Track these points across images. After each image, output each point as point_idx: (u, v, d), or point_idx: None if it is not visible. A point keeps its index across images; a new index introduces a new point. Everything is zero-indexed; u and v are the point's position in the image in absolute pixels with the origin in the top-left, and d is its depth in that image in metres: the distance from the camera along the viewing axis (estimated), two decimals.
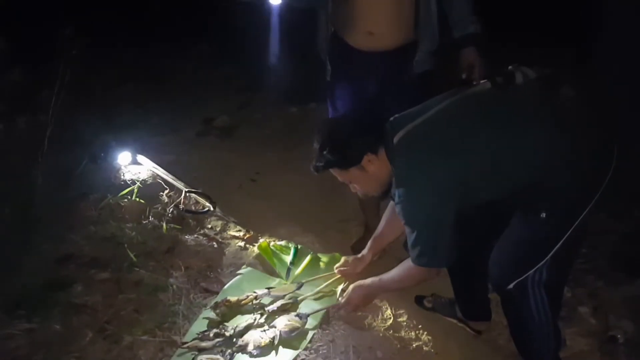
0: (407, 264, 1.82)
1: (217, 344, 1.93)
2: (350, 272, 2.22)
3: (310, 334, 2.00)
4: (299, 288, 2.19)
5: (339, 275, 2.27)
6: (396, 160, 1.71)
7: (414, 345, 2.01)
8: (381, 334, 2.04)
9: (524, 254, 1.66)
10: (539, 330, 1.71)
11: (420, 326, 2.09)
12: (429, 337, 2.05)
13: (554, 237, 1.61)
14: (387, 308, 2.17)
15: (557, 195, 1.60)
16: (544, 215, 1.59)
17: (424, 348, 2.01)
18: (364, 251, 2.21)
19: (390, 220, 2.09)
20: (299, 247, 2.47)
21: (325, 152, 1.74)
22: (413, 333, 2.06)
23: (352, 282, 2.07)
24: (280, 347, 1.95)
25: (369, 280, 2.00)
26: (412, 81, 2.16)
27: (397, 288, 2.02)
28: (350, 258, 2.25)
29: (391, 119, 1.77)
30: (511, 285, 1.67)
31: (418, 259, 1.74)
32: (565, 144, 1.57)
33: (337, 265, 2.27)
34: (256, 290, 2.13)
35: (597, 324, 2.13)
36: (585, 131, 1.59)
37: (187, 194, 2.78)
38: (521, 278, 1.65)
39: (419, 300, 2.21)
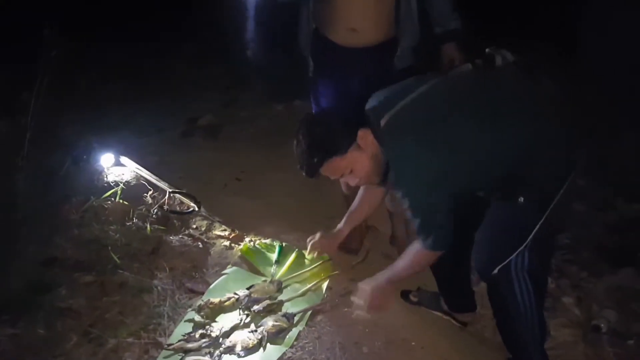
0: (414, 250, 1.75)
1: (204, 345, 1.92)
2: (325, 246, 2.19)
3: (296, 331, 2.01)
4: (279, 290, 2.19)
5: (324, 271, 2.30)
6: (388, 143, 1.66)
7: (400, 340, 2.02)
8: (367, 330, 2.05)
9: (505, 239, 1.68)
10: (524, 318, 1.72)
11: (406, 320, 2.10)
12: (416, 331, 2.06)
13: (532, 220, 1.63)
14: None
15: (534, 182, 1.62)
16: (521, 200, 1.61)
17: (411, 342, 2.01)
18: (340, 225, 2.17)
19: (365, 195, 2.07)
20: (284, 244, 2.47)
21: (318, 144, 1.67)
22: (399, 327, 2.07)
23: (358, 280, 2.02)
24: (267, 345, 1.95)
25: (375, 277, 1.88)
26: (394, 77, 2.16)
27: (407, 275, 1.86)
28: (326, 233, 2.20)
29: (372, 103, 1.73)
30: (495, 270, 1.68)
31: (428, 242, 1.68)
32: (542, 132, 1.59)
33: (310, 238, 2.20)
34: (237, 292, 2.12)
35: (581, 314, 2.15)
36: (558, 119, 1.62)
37: (172, 195, 2.76)
38: (505, 263, 1.66)
39: (405, 294, 2.22)
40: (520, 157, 1.60)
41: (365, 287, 1.83)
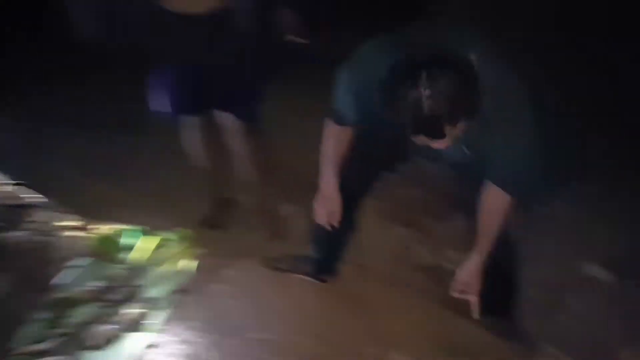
0: (496, 206, 1.61)
1: (59, 344, 1.79)
2: (335, 213, 1.87)
3: (160, 316, 1.95)
4: (139, 275, 2.11)
5: (188, 251, 2.24)
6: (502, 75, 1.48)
7: (268, 304, 2.07)
8: (234, 301, 2.06)
9: None
10: None
11: (271, 286, 2.16)
12: (281, 295, 2.12)
13: None
14: (241, 275, 2.19)
15: None
16: None
17: (279, 305, 2.07)
18: (326, 179, 1.83)
19: (337, 134, 1.80)
20: (143, 229, 2.36)
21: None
22: (266, 293, 2.12)
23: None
24: (132, 335, 1.87)
25: (472, 261, 1.72)
26: (229, 50, 2.12)
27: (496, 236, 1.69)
28: (316, 203, 1.87)
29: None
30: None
31: (519, 188, 1.58)
32: None
33: (317, 212, 1.88)
34: (93, 284, 2.00)
35: None
36: None
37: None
38: None
39: (267, 261, 2.25)
40: None
41: (466, 279, 1.72)
